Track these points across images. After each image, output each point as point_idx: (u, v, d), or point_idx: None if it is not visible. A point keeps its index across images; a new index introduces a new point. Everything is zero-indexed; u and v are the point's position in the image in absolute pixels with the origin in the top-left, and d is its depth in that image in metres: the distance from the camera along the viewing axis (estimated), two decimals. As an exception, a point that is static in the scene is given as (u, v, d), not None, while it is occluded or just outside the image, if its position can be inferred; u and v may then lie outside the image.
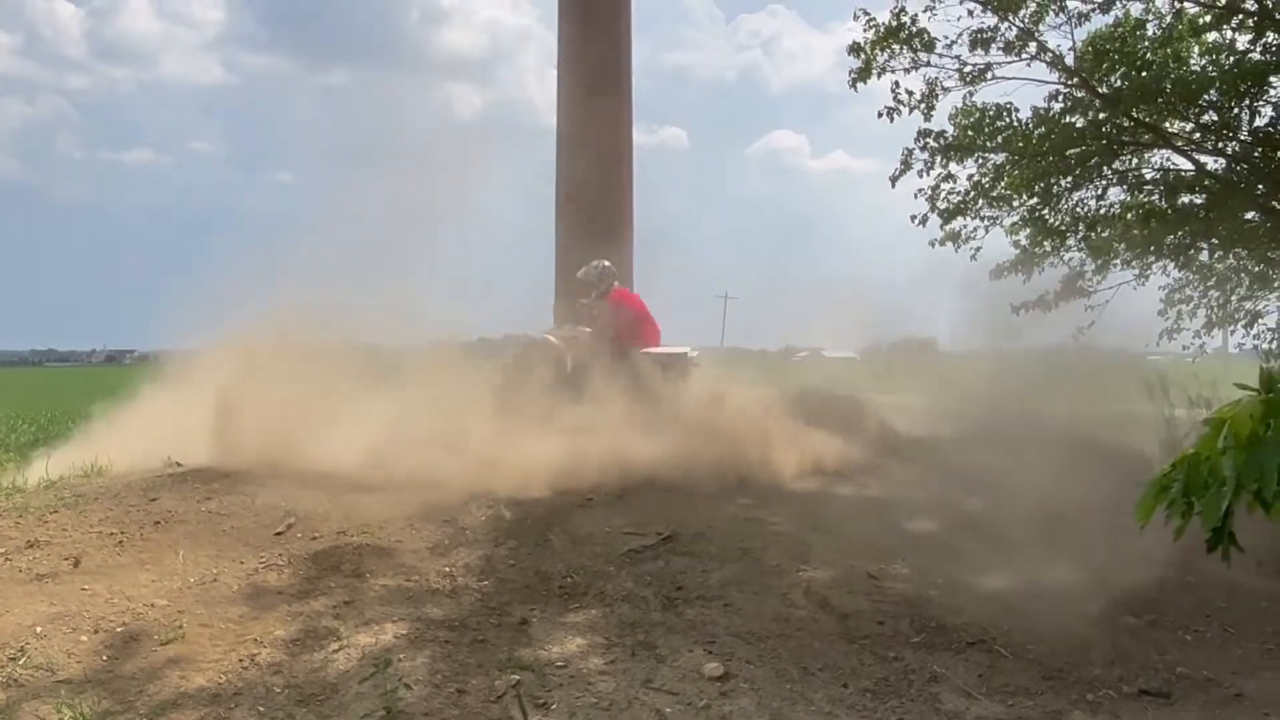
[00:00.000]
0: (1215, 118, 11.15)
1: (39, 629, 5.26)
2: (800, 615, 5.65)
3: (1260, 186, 10.76)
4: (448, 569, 5.95)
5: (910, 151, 11.72)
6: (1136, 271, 11.65)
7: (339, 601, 5.57)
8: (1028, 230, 11.92)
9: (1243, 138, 11.11)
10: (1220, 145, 11.30)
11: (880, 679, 5.08)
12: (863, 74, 11.46)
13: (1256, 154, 10.96)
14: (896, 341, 14.95)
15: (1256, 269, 11.24)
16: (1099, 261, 11.67)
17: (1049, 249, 11.79)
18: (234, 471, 7.53)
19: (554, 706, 4.65)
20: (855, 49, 11.41)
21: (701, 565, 6.14)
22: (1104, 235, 11.49)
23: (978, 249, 12.14)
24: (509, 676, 4.83)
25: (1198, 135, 11.39)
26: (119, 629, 5.30)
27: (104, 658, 5.05)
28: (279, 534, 6.42)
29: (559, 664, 4.98)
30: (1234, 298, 11.46)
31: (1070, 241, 11.79)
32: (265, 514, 6.70)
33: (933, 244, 12.11)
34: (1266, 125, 11.01)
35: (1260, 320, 11.64)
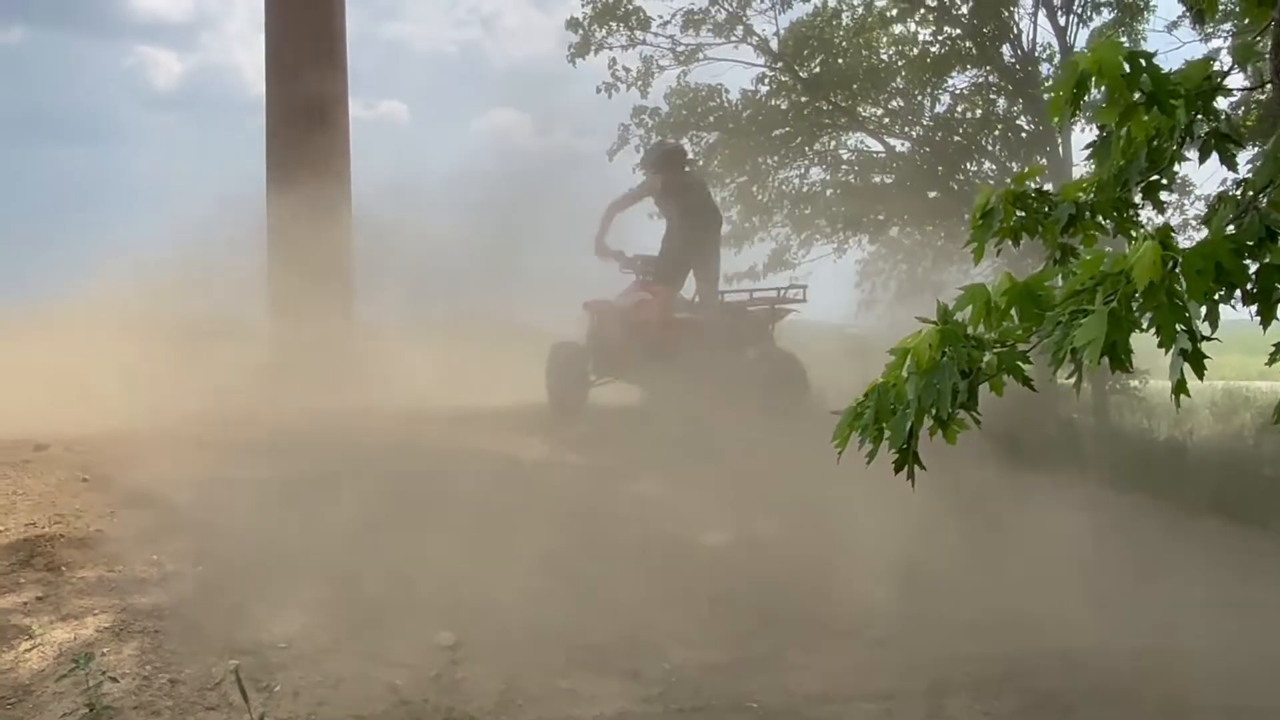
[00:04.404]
0: (902, 103, 12.23)
1: None
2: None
3: (940, 167, 11.84)
4: (155, 556, 5.55)
5: (626, 127, 12.08)
6: (835, 245, 12.48)
7: (30, 598, 5.10)
8: (739, 206, 12.50)
9: (925, 122, 12.20)
10: (906, 129, 12.36)
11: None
12: (580, 49, 11.85)
13: (937, 137, 12.05)
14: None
15: (939, 243, 12.31)
16: (802, 236, 12.44)
17: (757, 224, 12.45)
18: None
19: (277, 688, 4.47)
20: (574, 24, 11.86)
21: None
22: (807, 211, 12.27)
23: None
24: (227, 662, 4.60)
25: (887, 120, 12.41)
26: None
27: None
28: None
29: (281, 645, 4.79)
30: (920, 269, 12.48)
31: (777, 217, 12.50)
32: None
33: (651, 217, 12.48)
34: (945, 112, 12.19)
35: (944, 291, 12.79)
